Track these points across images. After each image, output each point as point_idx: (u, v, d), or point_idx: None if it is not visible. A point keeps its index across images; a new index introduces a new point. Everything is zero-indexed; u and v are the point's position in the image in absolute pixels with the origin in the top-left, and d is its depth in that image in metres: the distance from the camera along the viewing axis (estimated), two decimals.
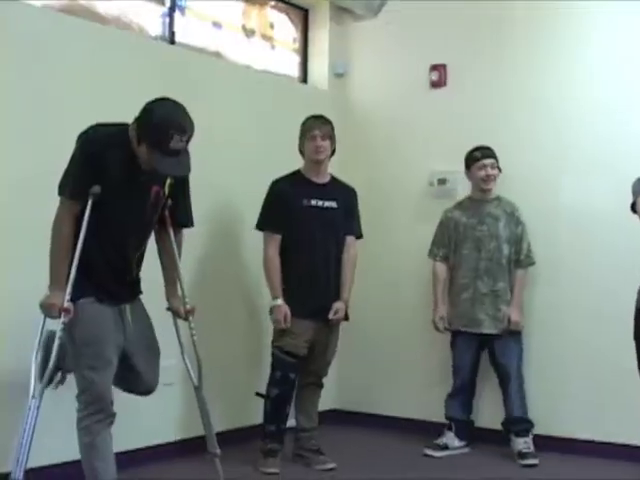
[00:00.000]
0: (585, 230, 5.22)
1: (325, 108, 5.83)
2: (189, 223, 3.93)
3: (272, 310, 4.85)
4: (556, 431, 5.24)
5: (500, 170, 5.25)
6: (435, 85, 5.84)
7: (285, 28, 6.25)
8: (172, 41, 5.30)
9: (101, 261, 3.55)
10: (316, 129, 4.91)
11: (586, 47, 5.32)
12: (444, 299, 5.34)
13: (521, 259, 5.23)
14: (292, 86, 6.17)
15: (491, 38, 5.62)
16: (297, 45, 6.34)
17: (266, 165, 5.39)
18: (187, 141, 3.45)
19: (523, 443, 5.05)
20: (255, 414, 5.21)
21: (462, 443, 5.29)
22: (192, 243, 4.94)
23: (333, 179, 5.07)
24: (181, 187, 3.77)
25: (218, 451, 3.94)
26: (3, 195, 4.13)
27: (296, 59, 6.33)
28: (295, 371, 4.84)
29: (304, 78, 6.36)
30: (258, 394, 4.96)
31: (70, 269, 3.42)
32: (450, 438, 5.27)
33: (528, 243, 5.24)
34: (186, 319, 3.89)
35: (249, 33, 5.93)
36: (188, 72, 5.15)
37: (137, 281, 3.78)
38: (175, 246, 3.85)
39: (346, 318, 5.02)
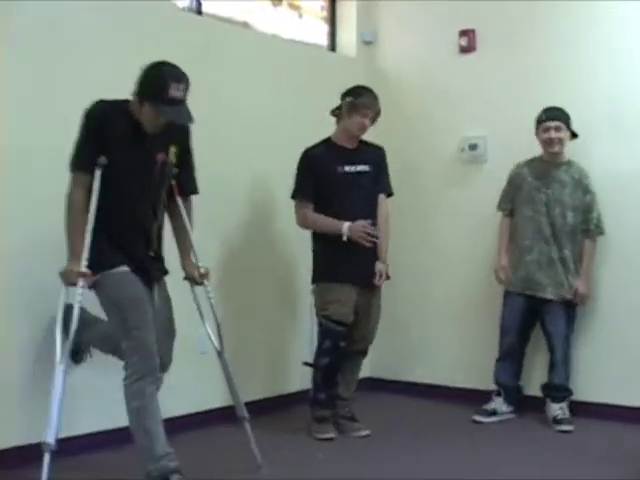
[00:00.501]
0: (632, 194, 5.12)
1: (354, 76, 5.82)
2: (193, 190, 4.04)
3: (349, 234, 4.70)
4: (596, 397, 5.20)
5: (574, 134, 5.10)
6: (464, 50, 5.77)
7: None
8: (199, 12, 5.29)
9: (121, 232, 3.70)
10: (371, 109, 4.82)
11: (623, 5, 5.17)
12: (507, 252, 5.27)
13: (590, 229, 5.09)
14: (321, 55, 6.14)
15: (520, 1, 5.53)
16: (325, 13, 6.29)
17: (296, 135, 5.36)
18: (185, 91, 3.62)
19: (559, 409, 5.03)
20: (294, 381, 5.39)
21: (510, 409, 5.25)
22: (227, 217, 5.14)
23: (361, 142, 5.00)
24: (186, 154, 3.91)
25: (247, 415, 4.01)
26: (22, 168, 4.17)
27: (324, 28, 6.29)
28: (344, 339, 4.81)
29: (332, 46, 6.32)
30: (306, 364, 4.98)
31: (85, 239, 3.57)
32: (499, 404, 5.23)
33: (598, 213, 5.08)
34: (201, 284, 4.01)
35: (276, 2, 5.90)
36: (215, 43, 5.16)
37: (161, 258, 3.91)
38: (185, 214, 3.97)
39: (387, 277, 4.99)
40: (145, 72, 3.63)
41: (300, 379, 5.20)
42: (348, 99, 4.85)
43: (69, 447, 3.98)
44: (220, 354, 4.06)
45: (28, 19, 4.20)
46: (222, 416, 4.71)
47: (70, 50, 4.37)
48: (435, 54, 5.94)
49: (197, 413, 4.90)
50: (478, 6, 5.71)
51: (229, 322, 4.89)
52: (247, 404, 4.12)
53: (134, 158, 3.68)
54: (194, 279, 4.01)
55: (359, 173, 4.89)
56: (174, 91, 3.57)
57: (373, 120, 4.87)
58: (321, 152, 4.90)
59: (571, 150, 5.14)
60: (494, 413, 5.20)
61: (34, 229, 4.16)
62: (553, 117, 5.04)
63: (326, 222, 4.80)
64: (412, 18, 6.08)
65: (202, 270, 4.01)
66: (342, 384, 4.97)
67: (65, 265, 3.63)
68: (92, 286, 3.67)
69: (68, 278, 3.61)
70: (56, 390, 3.49)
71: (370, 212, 4.89)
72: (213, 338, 4.05)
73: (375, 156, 5.00)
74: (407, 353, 6.05)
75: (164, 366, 3.85)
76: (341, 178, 4.85)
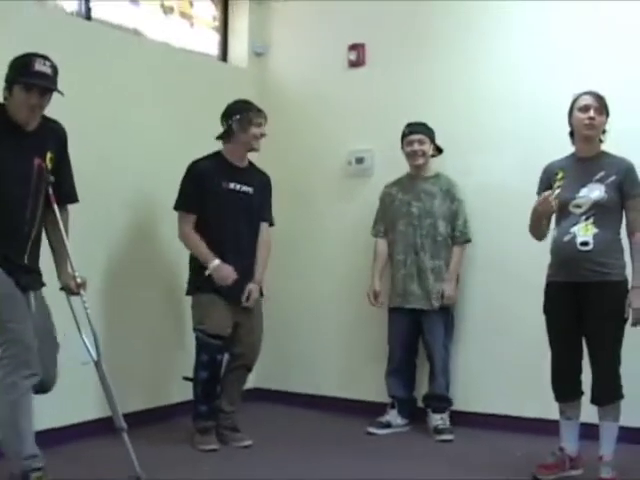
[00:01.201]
0: (509, 206, 5.15)
1: (244, 87, 5.91)
2: (74, 198, 4.04)
3: (214, 272, 4.77)
4: (475, 407, 5.32)
5: (439, 149, 5.29)
6: (354, 64, 5.87)
7: (205, 6, 6.20)
8: (88, 17, 5.22)
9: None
10: (263, 117, 4.92)
11: (508, 23, 5.35)
12: (381, 275, 5.37)
13: (456, 235, 5.24)
14: (211, 64, 6.15)
15: (409, 17, 5.65)
16: (217, 23, 6.30)
17: (184, 144, 5.37)
18: (52, 69, 3.71)
19: (439, 419, 5.13)
20: (175, 392, 5.36)
21: (405, 421, 5.31)
22: (111, 226, 5.10)
23: (250, 164, 5.06)
24: (62, 161, 3.92)
25: (124, 425, 3.95)
26: None
27: (216, 38, 6.30)
28: (221, 352, 4.85)
29: (224, 57, 6.34)
30: (186, 378, 4.96)
31: None
32: (393, 416, 5.29)
33: (464, 220, 5.24)
34: (77, 293, 3.96)
35: (167, 10, 5.87)
36: (105, 49, 5.10)
37: (37, 268, 3.88)
38: (62, 224, 3.91)
39: (261, 294, 5.04)
40: (10, 63, 3.72)
41: (180, 390, 5.16)
42: (237, 117, 4.88)
43: None
44: (98, 364, 4.00)
45: None
46: (105, 426, 4.64)
47: None
48: (325, 67, 6.02)
49: (80, 423, 4.83)
50: (368, 21, 5.82)
51: (111, 332, 4.89)
52: (127, 415, 4.05)
53: (11, 162, 3.67)
54: (70, 289, 3.96)
55: (244, 193, 4.93)
56: (39, 65, 3.66)
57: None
58: (209, 165, 4.90)
59: (447, 162, 5.34)
60: (388, 425, 5.26)
61: None
62: (416, 131, 5.23)
63: (199, 249, 4.83)
64: (303, 32, 6.15)
65: (79, 280, 3.95)
66: (225, 398, 4.99)
67: None
68: None
69: None
70: None
71: (251, 234, 4.98)
72: (90, 348, 3.99)
73: (261, 181, 5.08)
74: (295, 364, 6.07)
75: (50, 381, 3.84)
76: (225, 194, 4.87)
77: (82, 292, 3.97)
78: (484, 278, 5.36)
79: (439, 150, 5.32)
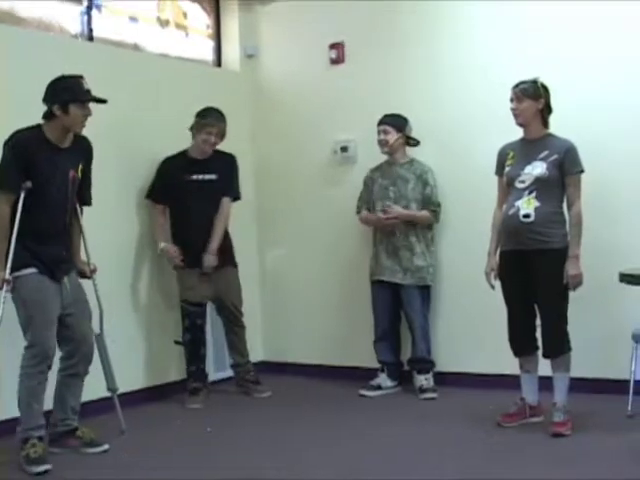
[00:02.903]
0: (479, 188, 5.49)
1: (238, 88, 6.41)
2: (90, 202, 4.73)
3: (163, 252, 5.70)
4: (456, 367, 5.84)
5: (412, 139, 5.77)
6: (334, 62, 6.35)
7: (198, 16, 6.71)
8: (90, 38, 5.74)
9: (41, 239, 4.34)
10: (214, 127, 5.62)
11: (472, 19, 5.79)
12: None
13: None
14: (207, 70, 6.65)
15: (383, 15, 6.11)
16: (210, 31, 6.80)
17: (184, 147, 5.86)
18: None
19: (424, 380, 5.66)
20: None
21: (394, 383, 5.85)
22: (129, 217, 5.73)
23: (214, 152, 5.73)
24: (87, 171, 4.61)
25: (117, 387, 4.77)
26: None
27: (210, 44, 6.80)
28: (201, 317, 5.75)
29: (218, 62, 6.83)
30: (176, 342, 5.75)
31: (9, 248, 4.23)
32: (383, 379, 5.83)
33: (435, 203, 5.73)
34: (90, 277, 4.71)
35: (164, 23, 6.39)
36: (107, 66, 5.54)
37: (71, 258, 4.60)
38: (82, 220, 4.65)
39: (234, 265, 5.85)
40: (53, 88, 4.34)
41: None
42: (196, 119, 5.63)
43: None
44: (99, 337, 4.72)
45: None
46: (127, 399, 5.18)
47: None
48: (309, 66, 6.52)
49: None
50: (346, 21, 6.30)
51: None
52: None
53: (53, 175, 4.36)
54: (84, 274, 4.68)
55: (206, 181, 5.68)
56: (86, 85, 4.39)
57: (220, 136, 5.65)
58: (175, 161, 5.69)
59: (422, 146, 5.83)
60: (379, 387, 5.80)
61: None
62: (381, 122, 5.76)
63: (157, 234, 5.74)
64: (288, 33, 6.64)
65: (92, 267, 4.73)
66: (234, 353, 5.93)
67: None
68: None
69: None
70: None
71: (211, 214, 5.70)
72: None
73: (223, 163, 5.77)
74: (294, 338, 6.65)
75: (87, 344, 4.55)
76: (188, 185, 5.65)
77: (94, 276, 4.72)
78: (457, 252, 5.84)
79: (412, 139, 5.79)
